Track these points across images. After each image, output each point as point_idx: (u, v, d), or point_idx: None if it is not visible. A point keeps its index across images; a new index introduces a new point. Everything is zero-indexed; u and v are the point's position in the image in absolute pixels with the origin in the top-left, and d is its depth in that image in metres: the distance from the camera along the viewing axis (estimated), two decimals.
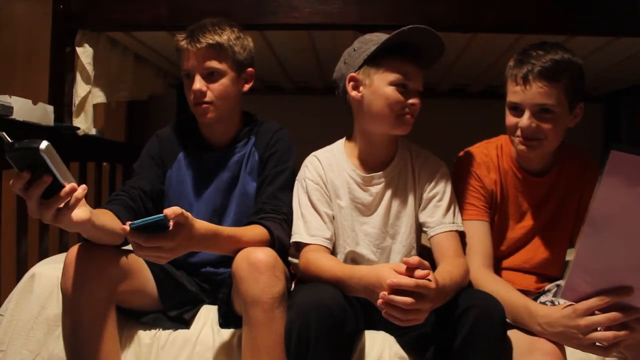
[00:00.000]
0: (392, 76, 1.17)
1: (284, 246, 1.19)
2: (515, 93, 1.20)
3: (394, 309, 0.93)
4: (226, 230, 1.09)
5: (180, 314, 1.22)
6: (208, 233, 1.03)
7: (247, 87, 1.32)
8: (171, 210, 0.93)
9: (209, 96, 1.24)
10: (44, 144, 0.81)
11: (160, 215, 0.90)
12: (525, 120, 1.20)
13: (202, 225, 1.01)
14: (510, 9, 1.66)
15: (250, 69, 1.32)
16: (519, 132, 1.22)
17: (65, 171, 0.88)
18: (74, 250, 1.09)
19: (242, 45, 1.28)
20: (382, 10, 1.68)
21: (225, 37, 1.24)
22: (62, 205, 0.89)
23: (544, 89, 1.16)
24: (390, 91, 1.17)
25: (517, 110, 1.22)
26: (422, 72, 1.22)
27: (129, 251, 1.16)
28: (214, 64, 1.23)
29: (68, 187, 0.88)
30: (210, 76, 1.24)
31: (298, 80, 2.60)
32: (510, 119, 1.24)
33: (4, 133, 0.82)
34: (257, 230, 1.15)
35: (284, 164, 1.29)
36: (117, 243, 1.14)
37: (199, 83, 1.23)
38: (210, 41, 1.22)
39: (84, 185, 0.92)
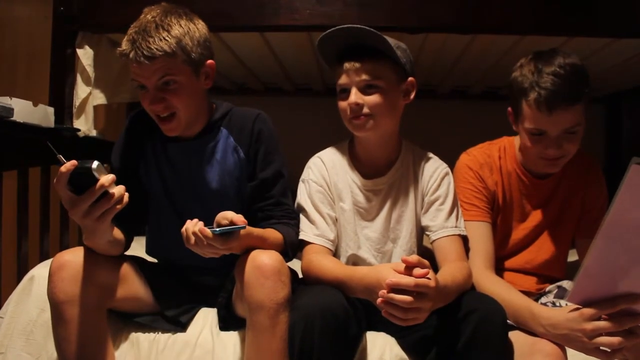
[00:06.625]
0: (338, 84, 1.19)
1: (295, 251, 1.20)
2: (538, 120, 1.17)
3: (393, 307, 0.92)
4: (255, 230, 1.08)
5: (177, 315, 1.21)
6: (245, 231, 1.04)
7: (209, 82, 1.20)
8: (242, 219, 1.00)
9: (170, 108, 1.13)
10: (95, 164, 0.93)
11: (243, 226, 1.01)
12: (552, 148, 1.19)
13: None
14: (510, 10, 1.65)
15: (209, 62, 1.18)
16: (545, 156, 1.21)
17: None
18: (59, 257, 1.06)
19: (193, 39, 1.12)
20: (383, 12, 1.68)
21: (173, 39, 1.09)
22: (109, 206, 0.97)
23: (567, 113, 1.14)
24: (339, 99, 1.19)
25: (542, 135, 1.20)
26: (365, 64, 1.14)
27: (118, 257, 1.15)
28: (167, 77, 1.10)
29: (121, 188, 0.98)
30: (166, 86, 1.12)
31: (298, 82, 2.61)
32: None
33: (60, 156, 0.93)
34: (277, 235, 1.14)
35: (277, 163, 1.22)
36: (117, 254, 1.15)
37: (155, 98, 1.12)
38: (158, 52, 1.07)
39: (122, 186, 0.99)
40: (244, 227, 1.00)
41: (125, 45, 1.10)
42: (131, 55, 1.08)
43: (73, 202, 0.95)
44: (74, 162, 0.92)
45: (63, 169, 0.91)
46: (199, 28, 1.16)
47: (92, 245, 1.08)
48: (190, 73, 1.14)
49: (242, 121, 1.23)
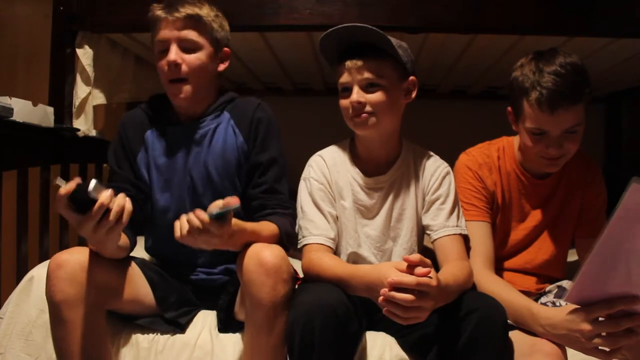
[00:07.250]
0: (339, 83, 1.20)
1: (291, 241, 1.19)
2: (539, 119, 1.17)
3: (395, 306, 0.92)
4: (248, 225, 1.08)
5: (176, 317, 1.20)
6: (239, 226, 1.03)
7: (222, 66, 1.29)
8: (236, 199, 0.97)
9: (184, 70, 1.19)
10: (91, 185, 0.93)
11: (237, 205, 0.97)
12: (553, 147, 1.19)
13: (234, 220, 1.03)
14: (511, 10, 1.65)
15: (226, 49, 1.29)
16: (546, 155, 1.21)
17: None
18: (57, 257, 1.06)
19: (220, 24, 1.26)
20: (383, 12, 1.67)
21: (205, 11, 1.22)
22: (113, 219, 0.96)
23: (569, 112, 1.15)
24: (341, 98, 1.20)
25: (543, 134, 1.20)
26: (367, 63, 1.15)
27: (117, 259, 1.14)
28: (192, 35, 1.20)
29: (120, 200, 0.97)
30: (187, 49, 1.20)
31: (298, 81, 2.60)
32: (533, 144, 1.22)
33: (59, 178, 0.94)
34: (271, 227, 1.14)
35: (273, 150, 1.24)
36: (123, 256, 1.14)
37: (174, 54, 1.18)
38: (190, 12, 1.19)
39: (122, 196, 0.99)
40: (239, 206, 0.97)
41: (157, 6, 1.22)
42: (162, 12, 1.20)
43: (79, 222, 0.95)
44: (72, 184, 0.93)
45: (62, 191, 0.92)
46: (226, 22, 1.29)
47: (99, 250, 1.07)
48: (210, 46, 1.23)
49: (243, 109, 1.27)
